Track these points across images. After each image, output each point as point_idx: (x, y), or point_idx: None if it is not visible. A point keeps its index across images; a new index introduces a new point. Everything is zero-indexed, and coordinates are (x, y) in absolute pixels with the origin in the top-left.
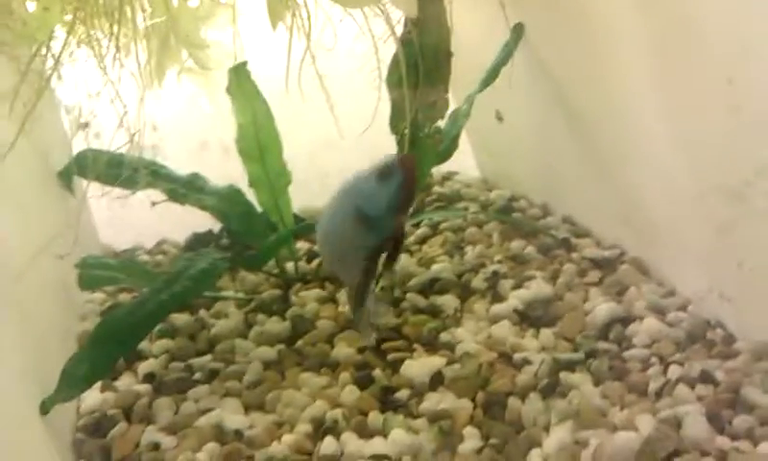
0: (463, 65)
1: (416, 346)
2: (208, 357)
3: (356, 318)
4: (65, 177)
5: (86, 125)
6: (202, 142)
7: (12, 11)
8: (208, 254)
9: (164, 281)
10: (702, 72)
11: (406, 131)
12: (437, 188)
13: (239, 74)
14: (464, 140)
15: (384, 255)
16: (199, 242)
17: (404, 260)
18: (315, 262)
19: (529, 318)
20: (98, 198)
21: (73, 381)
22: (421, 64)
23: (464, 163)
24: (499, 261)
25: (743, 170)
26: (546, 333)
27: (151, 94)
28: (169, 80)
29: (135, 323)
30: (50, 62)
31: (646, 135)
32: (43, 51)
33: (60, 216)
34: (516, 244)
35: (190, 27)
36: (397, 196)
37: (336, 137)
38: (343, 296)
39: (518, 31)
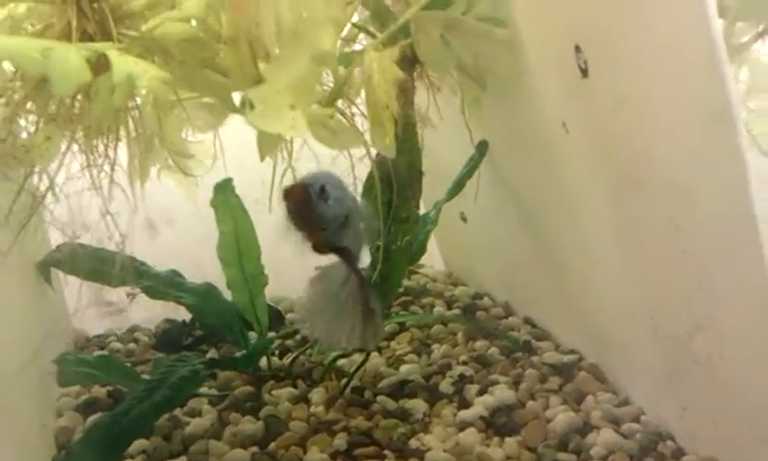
0: (431, 176)
1: (386, 452)
2: (183, 459)
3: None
4: (44, 269)
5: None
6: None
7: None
8: (188, 359)
9: (146, 389)
10: (651, 209)
11: (380, 242)
12: (404, 281)
13: (224, 189)
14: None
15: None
16: (170, 335)
17: (374, 359)
18: (287, 358)
19: (494, 425)
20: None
21: None
22: (395, 182)
23: (430, 257)
24: (465, 362)
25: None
26: (510, 442)
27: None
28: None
29: (120, 433)
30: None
31: (602, 255)
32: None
33: (36, 307)
34: (480, 344)
35: (175, 135)
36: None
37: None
38: (315, 395)
39: (482, 148)
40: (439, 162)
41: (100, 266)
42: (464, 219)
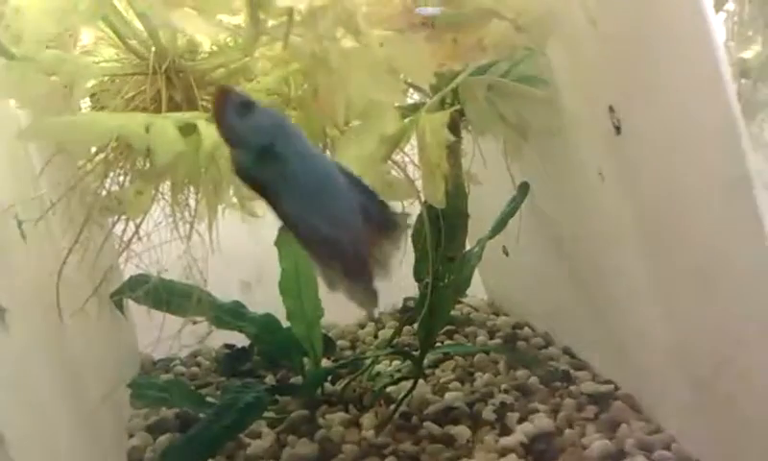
0: (475, 213)
1: None
2: None
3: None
4: (118, 298)
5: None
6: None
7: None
8: (252, 386)
9: (215, 414)
10: (679, 258)
11: (428, 280)
12: None
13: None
14: None
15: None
16: (232, 360)
17: (420, 387)
18: (339, 384)
19: (533, 451)
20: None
21: None
22: (442, 224)
23: (472, 287)
24: (506, 390)
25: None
26: None
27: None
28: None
29: (192, 454)
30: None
31: (635, 293)
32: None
33: (110, 334)
34: (521, 373)
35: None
36: None
37: None
38: (365, 419)
39: (524, 189)
40: (482, 201)
41: (170, 297)
42: (506, 253)
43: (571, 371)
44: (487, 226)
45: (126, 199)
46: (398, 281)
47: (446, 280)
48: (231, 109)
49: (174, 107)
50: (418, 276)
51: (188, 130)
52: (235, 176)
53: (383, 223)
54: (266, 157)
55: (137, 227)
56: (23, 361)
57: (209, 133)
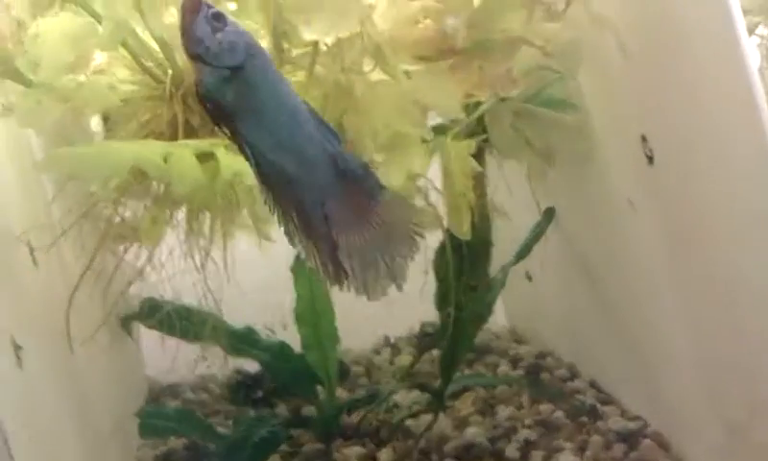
0: (498, 237)
1: None
2: None
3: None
4: (127, 322)
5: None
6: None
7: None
8: (266, 419)
9: (229, 449)
10: (712, 295)
11: (450, 310)
12: None
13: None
14: None
15: None
16: (242, 388)
17: (440, 420)
18: (355, 414)
19: None
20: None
21: None
22: (465, 252)
23: (493, 312)
24: (530, 426)
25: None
26: None
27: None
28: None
29: None
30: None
31: (666, 327)
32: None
33: (118, 358)
34: (545, 407)
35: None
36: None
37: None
38: (383, 454)
39: (549, 214)
40: (506, 224)
41: (182, 322)
42: (529, 278)
43: (598, 405)
44: (509, 249)
45: (141, 227)
46: (411, 302)
47: (469, 311)
48: (202, 19)
49: (190, 131)
50: (440, 305)
51: (206, 157)
52: (196, 96)
53: (352, 173)
54: (234, 80)
55: (150, 254)
56: (33, 392)
57: (228, 162)
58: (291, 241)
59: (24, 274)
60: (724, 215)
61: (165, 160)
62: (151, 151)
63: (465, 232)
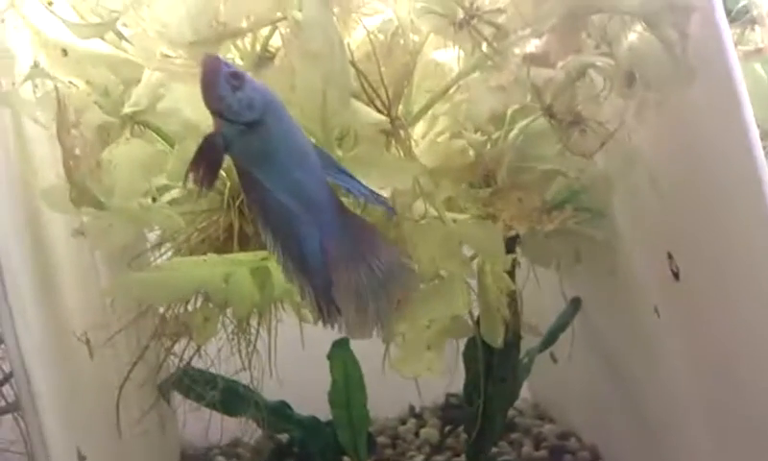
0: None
1: None
2: None
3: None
4: (164, 389)
5: None
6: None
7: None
8: None
9: None
10: (737, 402)
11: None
12: None
13: (340, 345)
14: None
15: None
16: (275, 457)
17: None
18: None
19: None
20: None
21: None
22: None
23: None
24: None
25: None
26: None
27: None
28: None
29: None
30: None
31: (690, 424)
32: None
33: (155, 431)
34: None
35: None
36: None
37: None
38: None
39: (576, 304)
40: (532, 305)
41: (220, 394)
42: (554, 360)
43: None
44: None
45: (193, 324)
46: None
47: (498, 403)
48: (223, 81)
49: (243, 236)
50: (468, 398)
51: (261, 272)
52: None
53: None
54: (253, 133)
55: (198, 348)
56: None
57: (280, 278)
58: (288, 278)
59: (83, 370)
60: (748, 333)
61: (226, 281)
62: (212, 272)
63: (498, 344)
